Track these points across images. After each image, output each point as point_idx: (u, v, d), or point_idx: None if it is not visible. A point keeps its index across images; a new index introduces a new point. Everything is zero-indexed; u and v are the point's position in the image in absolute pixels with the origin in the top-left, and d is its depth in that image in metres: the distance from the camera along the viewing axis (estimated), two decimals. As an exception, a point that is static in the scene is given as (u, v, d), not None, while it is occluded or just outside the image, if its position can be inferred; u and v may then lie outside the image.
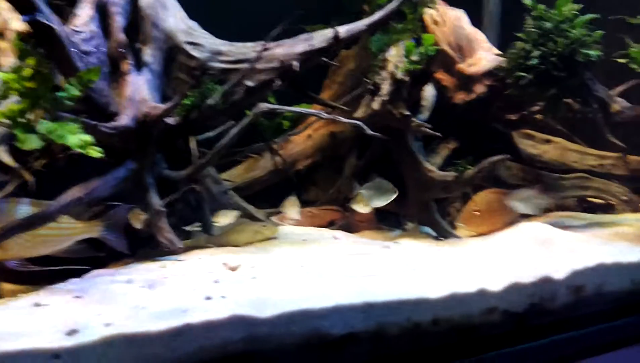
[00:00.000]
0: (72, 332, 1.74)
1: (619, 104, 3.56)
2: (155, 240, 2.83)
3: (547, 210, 3.89)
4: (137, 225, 3.06)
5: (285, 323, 1.92)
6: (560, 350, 2.47)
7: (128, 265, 2.67)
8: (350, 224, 3.85)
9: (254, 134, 3.45)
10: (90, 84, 2.42)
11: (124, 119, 2.78)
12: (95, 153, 2.22)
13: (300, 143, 4.11)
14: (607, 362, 2.55)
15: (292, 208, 3.49)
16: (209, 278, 2.30)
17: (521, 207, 3.35)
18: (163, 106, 2.78)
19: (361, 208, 3.41)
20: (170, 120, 2.93)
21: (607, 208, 4.13)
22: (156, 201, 2.85)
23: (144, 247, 2.99)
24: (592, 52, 3.30)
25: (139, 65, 2.97)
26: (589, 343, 2.54)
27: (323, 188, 4.18)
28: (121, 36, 2.92)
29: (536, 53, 3.31)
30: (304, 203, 4.10)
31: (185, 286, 2.20)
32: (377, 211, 3.92)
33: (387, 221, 3.91)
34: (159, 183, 2.94)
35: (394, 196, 3.23)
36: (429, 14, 3.97)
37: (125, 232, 2.68)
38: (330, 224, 3.94)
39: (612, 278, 2.66)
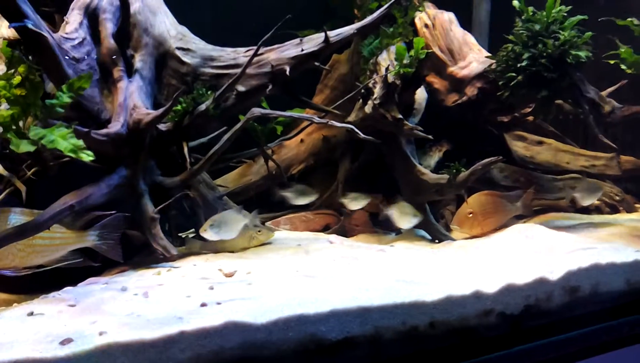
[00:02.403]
0: (66, 341, 1.73)
1: (609, 104, 3.58)
2: (150, 247, 2.82)
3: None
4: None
5: (282, 328, 1.91)
6: (557, 351, 2.47)
7: (123, 273, 2.66)
8: (346, 228, 3.85)
9: (248, 140, 3.45)
10: (81, 91, 2.41)
11: (116, 126, 2.77)
12: (87, 156, 2.20)
13: (293, 148, 4.10)
14: (604, 362, 2.55)
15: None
16: (204, 285, 2.29)
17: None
18: (155, 112, 2.77)
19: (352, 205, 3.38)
20: (163, 126, 2.92)
21: (601, 209, 4.14)
22: (150, 208, 2.84)
23: (139, 254, 2.98)
24: (581, 53, 3.31)
25: (130, 71, 2.96)
26: (585, 344, 2.54)
27: (318, 192, 4.17)
28: (111, 43, 2.91)
29: (526, 55, 3.33)
30: (299, 208, 4.11)
31: (180, 293, 2.18)
32: (373, 214, 3.93)
33: (382, 224, 3.91)
34: (152, 189, 2.93)
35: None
36: (419, 17, 3.98)
37: (120, 240, 2.66)
38: (325, 229, 3.93)
39: (607, 278, 2.66)
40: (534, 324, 2.46)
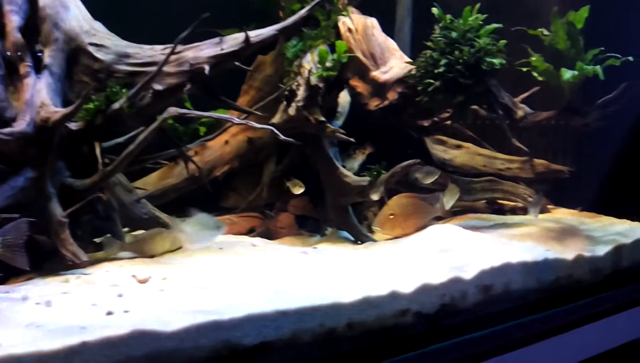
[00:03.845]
0: (-47, 356, 1.60)
1: (522, 110, 3.73)
2: (59, 253, 2.68)
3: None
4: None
5: (193, 336, 1.85)
6: (472, 348, 2.54)
7: (29, 281, 2.50)
8: (271, 231, 3.82)
9: (173, 141, 3.33)
10: (-20, 87, 2.25)
11: (21, 125, 2.61)
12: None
13: (217, 149, 4.02)
14: (517, 359, 2.65)
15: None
16: (113, 292, 2.19)
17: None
18: (64, 111, 2.63)
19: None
20: (73, 125, 2.78)
21: (515, 210, 4.32)
22: (58, 212, 2.69)
23: (49, 261, 2.82)
24: (496, 61, 3.43)
25: (39, 67, 2.80)
26: (499, 341, 2.63)
27: (243, 195, 4.11)
28: (17, 37, 2.74)
29: (443, 61, 3.42)
30: (224, 211, 4.04)
31: (86, 302, 2.08)
32: (298, 217, 3.92)
33: (307, 226, 3.90)
34: (61, 192, 2.78)
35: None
36: (343, 21, 4.01)
37: (26, 246, 2.49)
38: (250, 232, 3.88)
39: (518, 276, 2.77)
40: (449, 323, 2.53)
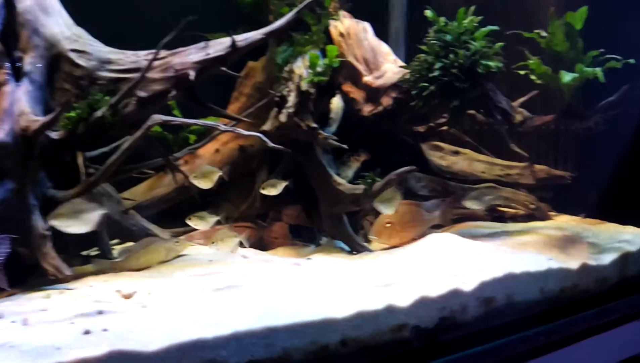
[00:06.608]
0: None
1: (521, 114, 3.64)
2: (41, 268, 2.57)
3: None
4: None
5: (175, 356, 1.74)
6: None
7: (10, 297, 2.40)
8: (264, 241, 3.72)
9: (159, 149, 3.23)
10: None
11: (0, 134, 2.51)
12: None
13: (208, 158, 3.92)
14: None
15: None
16: (93, 309, 2.08)
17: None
18: (43, 119, 2.55)
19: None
20: (54, 134, 2.68)
21: (517, 217, 4.22)
22: (40, 225, 2.60)
23: (31, 275, 2.71)
24: (492, 64, 3.34)
25: (18, 75, 2.72)
26: (502, 355, 2.52)
27: (235, 204, 4.01)
28: (-5, 43, 2.65)
29: (438, 65, 3.32)
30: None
31: (64, 320, 1.97)
32: (292, 226, 3.82)
33: (302, 236, 3.79)
34: (44, 204, 2.69)
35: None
36: (334, 26, 3.93)
37: (6, 264, 2.38)
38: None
39: (521, 287, 2.66)
40: (449, 337, 2.42)
